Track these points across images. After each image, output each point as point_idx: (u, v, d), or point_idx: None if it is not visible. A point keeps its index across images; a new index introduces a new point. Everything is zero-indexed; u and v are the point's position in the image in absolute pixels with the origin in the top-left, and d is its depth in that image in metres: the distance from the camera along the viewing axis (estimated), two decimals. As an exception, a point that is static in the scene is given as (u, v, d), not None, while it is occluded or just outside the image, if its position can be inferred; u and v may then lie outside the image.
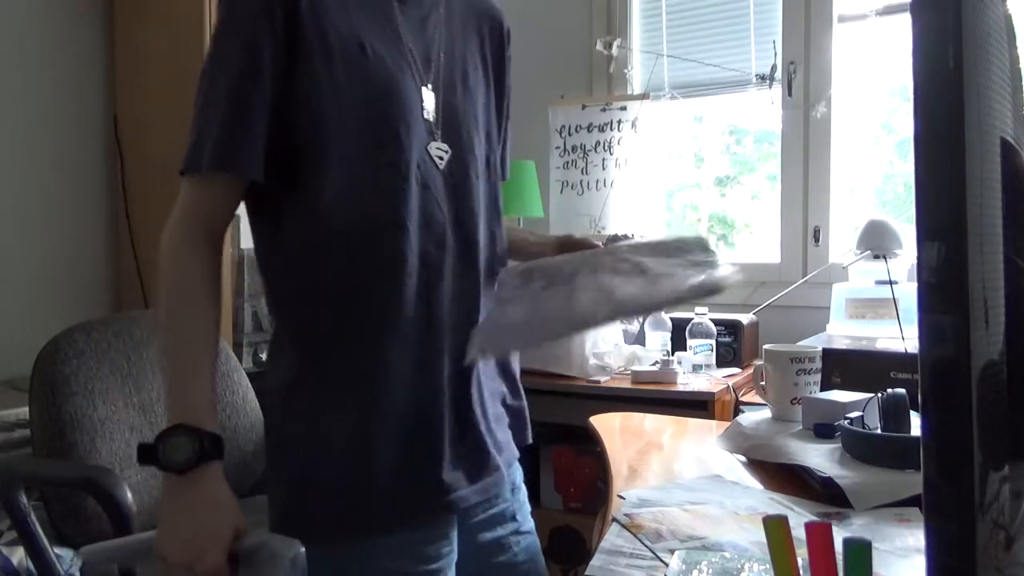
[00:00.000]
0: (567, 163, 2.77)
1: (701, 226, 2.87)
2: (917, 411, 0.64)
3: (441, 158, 0.98)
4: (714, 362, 2.26)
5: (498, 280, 1.03)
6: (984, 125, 0.46)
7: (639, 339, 2.39)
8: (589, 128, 2.73)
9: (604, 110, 2.71)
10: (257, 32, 0.88)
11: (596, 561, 0.85)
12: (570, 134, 2.76)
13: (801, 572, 0.56)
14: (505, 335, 0.97)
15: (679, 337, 2.29)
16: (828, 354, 1.40)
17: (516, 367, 1.13)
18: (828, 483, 1.02)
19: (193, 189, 0.92)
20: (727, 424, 1.38)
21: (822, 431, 1.18)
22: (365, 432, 0.92)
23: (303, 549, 0.82)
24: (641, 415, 1.61)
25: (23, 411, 1.72)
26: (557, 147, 2.78)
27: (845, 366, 1.48)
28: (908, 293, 1.89)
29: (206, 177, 0.91)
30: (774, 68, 2.50)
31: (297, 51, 0.90)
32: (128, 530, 1.33)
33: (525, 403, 1.13)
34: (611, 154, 2.70)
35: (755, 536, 0.89)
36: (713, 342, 2.26)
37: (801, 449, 1.13)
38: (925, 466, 0.45)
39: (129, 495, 1.36)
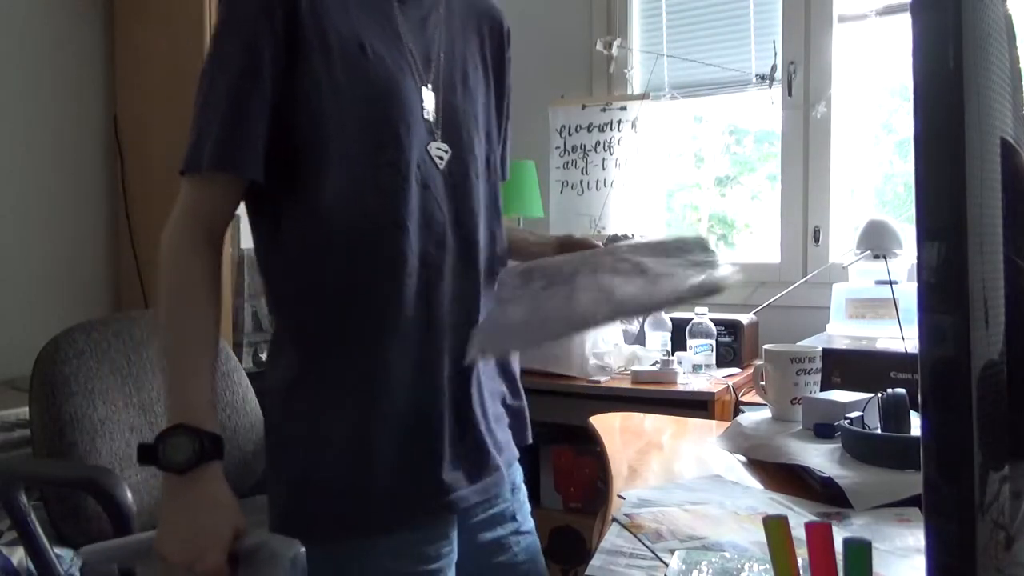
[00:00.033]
0: (567, 163, 2.77)
1: (701, 226, 2.87)
2: (917, 411, 0.64)
3: (441, 158, 0.98)
4: (714, 362, 2.26)
5: (498, 280, 1.03)
6: (984, 125, 0.46)
7: (639, 339, 2.39)
8: (589, 128, 2.73)
9: (604, 110, 2.71)
10: (257, 32, 0.88)
11: (596, 561, 0.85)
12: (570, 134, 2.76)
13: (801, 572, 0.56)
14: (505, 335, 0.97)
15: (679, 337, 2.29)
16: (828, 354, 1.40)
17: (516, 367, 1.13)
18: (828, 483, 1.02)
19: (193, 189, 0.92)
20: (727, 424, 1.38)
21: (822, 431, 1.18)
22: (365, 432, 0.92)
23: (303, 549, 0.82)
24: (641, 415, 1.61)
25: (23, 411, 1.72)
26: (557, 147, 2.78)
27: (845, 366, 1.48)
28: (908, 293, 1.89)
29: (206, 177, 0.91)
30: (774, 68, 2.50)
31: (297, 51, 0.90)
32: (128, 530, 1.33)
33: (525, 403, 1.13)
34: (611, 154, 2.70)
35: (755, 536, 0.89)
36: (713, 342, 2.26)
37: (801, 449, 1.13)
38: (925, 466, 0.45)
39: (129, 495, 1.36)
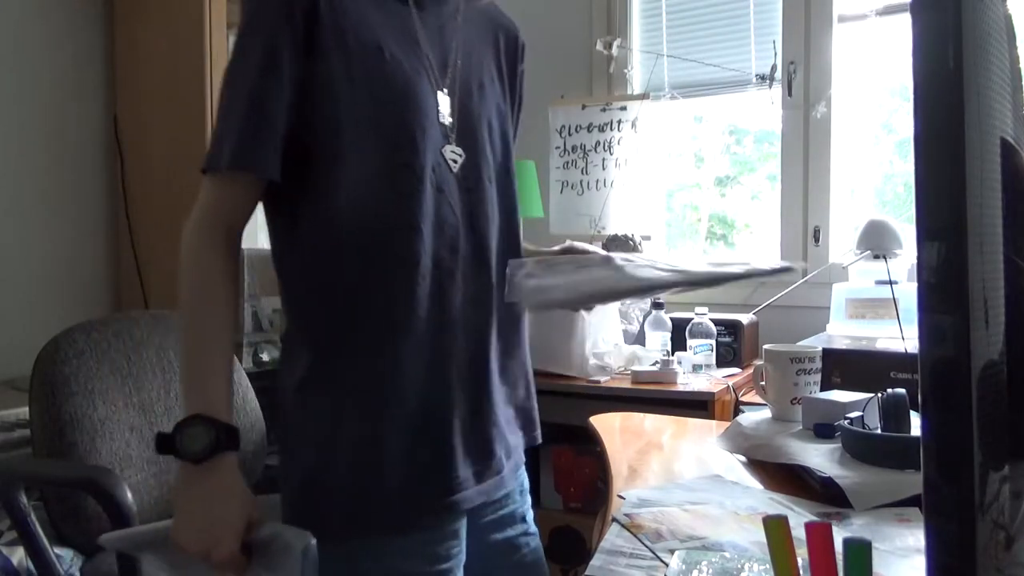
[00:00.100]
0: (567, 163, 2.77)
1: (701, 226, 2.87)
2: (917, 411, 0.64)
3: (455, 161, 0.99)
4: (714, 362, 2.26)
5: (510, 266, 1.03)
6: (984, 125, 0.46)
7: (639, 339, 2.39)
8: (589, 128, 2.73)
9: (604, 110, 2.71)
10: (277, 35, 0.90)
11: (596, 561, 0.85)
12: (570, 134, 2.76)
13: (801, 572, 0.56)
14: (551, 289, 0.98)
15: (679, 337, 2.29)
16: (828, 354, 1.40)
17: (530, 367, 1.13)
18: (828, 483, 1.02)
19: (214, 188, 0.94)
20: (727, 424, 1.38)
21: (822, 431, 1.18)
22: (377, 432, 0.93)
23: (315, 541, 0.84)
24: (641, 415, 1.61)
25: (23, 411, 1.72)
26: (557, 147, 2.78)
27: (845, 366, 1.48)
28: (908, 293, 1.89)
29: (226, 176, 0.92)
30: (774, 68, 2.50)
31: (316, 53, 0.91)
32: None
33: (536, 404, 1.14)
34: (611, 154, 2.70)
35: (755, 536, 0.89)
36: (713, 342, 2.26)
37: (801, 449, 1.13)
38: (925, 466, 0.45)
39: (129, 495, 1.36)
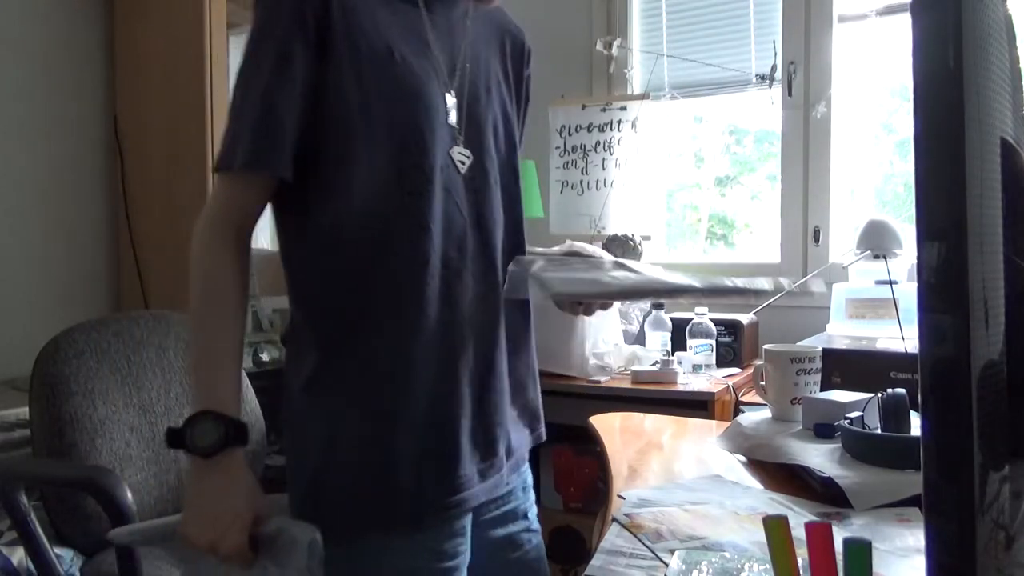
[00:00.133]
0: (567, 163, 2.77)
1: (701, 226, 2.87)
2: (917, 411, 0.64)
3: (463, 163, 1.00)
4: (714, 362, 2.26)
5: (516, 261, 1.04)
6: (984, 125, 0.46)
7: (639, 339, 2.39)
8: (589, 128, 2.73)
9: (604, 110, 2.71)
10: (290, 37, 0.91)
11: (596, 561, 0.85)
12: (570, 134, 2.76)
13: (801, 572, 0.56)
14: (576, 282, 0.99)
15: (679, 337, 2.29)
16: (828, 354, 1.40)
17: (536, 366, 1.14)
18: (828, 483, 1.02)
19: (226, 187, 0.95)
20: (727, 424, 1.38)
21: (822, 431, 1.18)
22: (385, 432, 0.94)
23: (320, 535, 0.85)
24: (641, 415, 1.61)
25: (23, 411, 1.72)
26: (557, 147, 2.78)
27: (845, 366, 1.48)
28: (908, 293, 1.89)
29: (239, 176, 0.93)
30: (774, 68, 2.50)
31: (328, 54, 0.92)
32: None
33: (541, 402, 1.15)
34: (611, 154, 2.70)
35: (755, 536, 0.89)
36: (713, 342, 2.26)
37: (801, 449, 1.13)
38: (925, 466, 0.45)
39: (129, 495, 1.36)
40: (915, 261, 0.45)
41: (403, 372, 0.94)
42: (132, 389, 1.70)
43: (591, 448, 2.06)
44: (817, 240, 2.49)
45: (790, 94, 2.49)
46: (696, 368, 2.22)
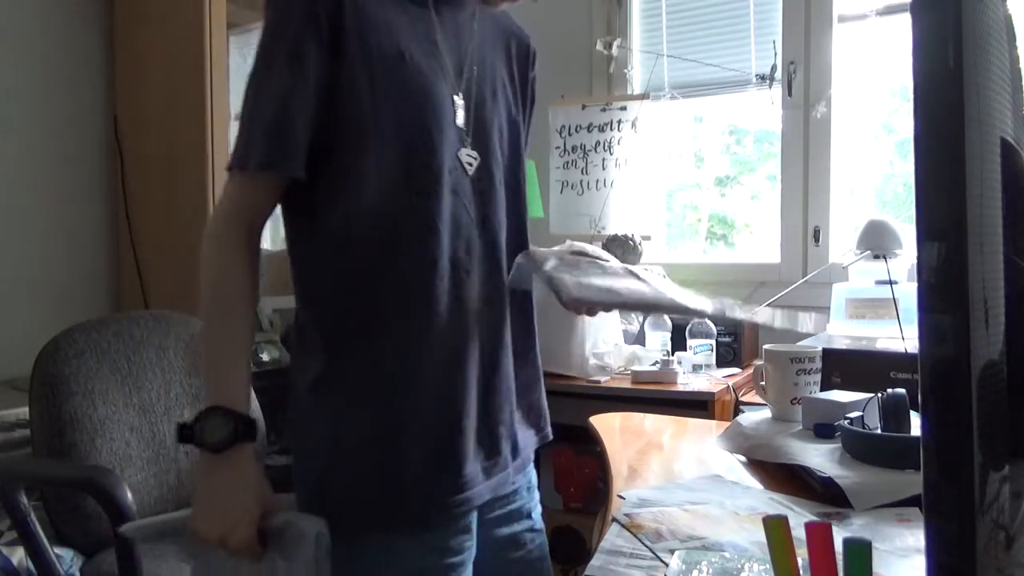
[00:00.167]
0: (567, 163, 2.77)
1: (701, 226, 2.87)
2: (917, 411, 0.64)
3: (471, 164, 1.01)
4: (714, 362, 2.26)
5: (524, 255, 1.05)
6: (984, 125, 0.46)
7: (639, 339, 2.39)
8: (589, 128, 2.73)
9: (604, 110, 2.71)
10: (303, 37, 0.91)
11: (596, 561, 0.85)
12: (570, 134, 2.76)
13: (801, 572, 0.56)
14: (589, 288, 1.00)
15: (679, 337, 2.29)
16: (828, 354, 1.40)
17: (540, 365, 1.15)
18: (828, 483, 1.02)
19: (239, 186, 0.95)
20: (727, 424, 1.38)
21: (822, 431, 1.18)
22: (392, 432, 0.94)
23: (326, 528, 0.87)
24: (641, 415, 1.61)
25: (23, 411, 1.72)
26: (557, 147, 2.78)
27: (845, 366, 1.48)
28: (908, 293, 1.89)
29: (253, 176, 0.94)
30: (774, 68, 2.50)
31: (340, 57, 0.92)
32: (128, 530, 1.33)
33: (546, 402, 1.16)
34: (611, 154, 2.70)
35: (755, 536, 0.88)
36: (713, 342, 2.26)
37: (801, 449, 1.13)
38: (925, 466, 0.45)
39: (129, 495, 1.36)
40: (915, 261, 0.45)
41: (410, 372, 0.95)
42: (132, 389, 1.70)
43: (591, 448, 2.06)
44: (817, 240, 2.49)
45: (790, 94, 2.49)
46: (696, 368, 2.22)
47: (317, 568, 0.86)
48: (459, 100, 1.01)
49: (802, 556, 0.55)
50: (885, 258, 2.08)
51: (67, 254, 2.41)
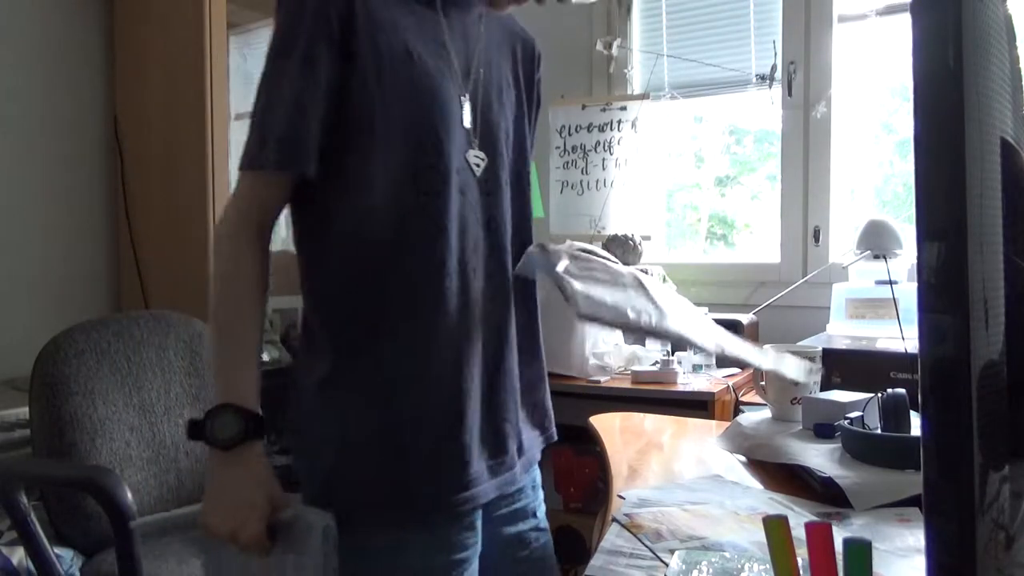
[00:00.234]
0: (567, 163, 2.77)
1: (701, 226, 2.87)
2: (917, 411, 0.64)
3: (478, 165, 1.02)
4: (714, 362, 2.26)
5: (537, 247, 1.05)
6: (984, 125, 0.46)
7: (639, 339, 2.39)
8: (589, 128, 2.73)
9: (604, 110, 2.71)
10: (315, 38, 0.92)
11: (596, 561, 0.85)
12: (570, 134, 2.76)
13: (801, 572, 0.56)
14: (599, 305, 1.01)
15: (679, 337, 2.29)
16: (828, 354, 1.40)
17: (545, 365, 1.15)
18: (828, 483, 1.02)
19: (250, 185, 0.96)
20: (727, 424, 1.38)
21: (822, 431, 1.18)
22: (400, 431, 0.95)
23: (334, 521, 0.89)
24: (641, 415, 1.61)
25: (23, 411, 1.72)
26: (557, 147, 2.78)
27: (845, 366, 1.48)
28: (908, 293, 1.89)
29: (267, 175, 0.95)
30: (774, 68, 2.50)
31: (350, 58, 0.93)
32: (128, 530, 1.33)
33: (550, 402, 1.16)
34: (611, 154, 2.70)
35: (755, 536, 0.88)
36: (713, 342, 2.26)
37: (801, 449, 1.13)
38: (925, 466, 0.45)
39: (129, 495, 1.36)
40: (915, 261, 0.45)
41: (417, 371, 0.95)
42: (132, 389, 1.70)
43: (591, 448, 2.06)
44: (817, 240, 2.49)
45: (790, 94, 2.49)
46: (696, 368, 2.22)
47: (325, 561, 0.87)
48: (466, 101, 1.01)
49: (802, 556, 0.55)
50: (885, 258, 2.08)
51: (67, 254, 2.41)
